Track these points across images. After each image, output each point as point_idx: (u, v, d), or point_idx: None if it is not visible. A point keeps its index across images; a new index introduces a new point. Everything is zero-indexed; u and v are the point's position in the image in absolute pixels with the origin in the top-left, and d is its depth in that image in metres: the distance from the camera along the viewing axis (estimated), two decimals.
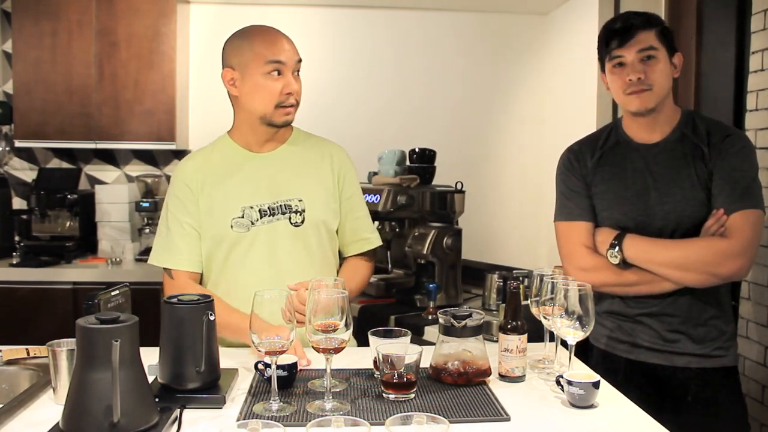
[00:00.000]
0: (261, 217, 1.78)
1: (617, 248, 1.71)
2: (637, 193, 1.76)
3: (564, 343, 1.53)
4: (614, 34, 1.72)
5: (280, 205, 1.80)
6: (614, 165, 1.81)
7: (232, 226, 1.77)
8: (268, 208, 1.79)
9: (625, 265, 1.71)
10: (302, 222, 1.80)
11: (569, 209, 1.82)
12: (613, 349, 1.82)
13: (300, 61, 1.78)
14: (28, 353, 1.63)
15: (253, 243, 1.77)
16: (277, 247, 1.78)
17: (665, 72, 1.71)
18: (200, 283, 1.83)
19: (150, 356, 1.37)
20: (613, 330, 1.82)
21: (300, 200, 1.81)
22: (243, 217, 1.77)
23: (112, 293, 1.51)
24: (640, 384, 1.72)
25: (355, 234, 1.92)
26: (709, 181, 1.70)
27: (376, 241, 1.95)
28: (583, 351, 1.80)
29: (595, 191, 1.82)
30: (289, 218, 1.80)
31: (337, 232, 1.89)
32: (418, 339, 2.43)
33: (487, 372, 1.50)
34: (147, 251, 3.48)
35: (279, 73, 1.73)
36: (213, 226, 1.78)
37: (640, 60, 1.69)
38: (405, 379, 1.37)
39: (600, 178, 1.81)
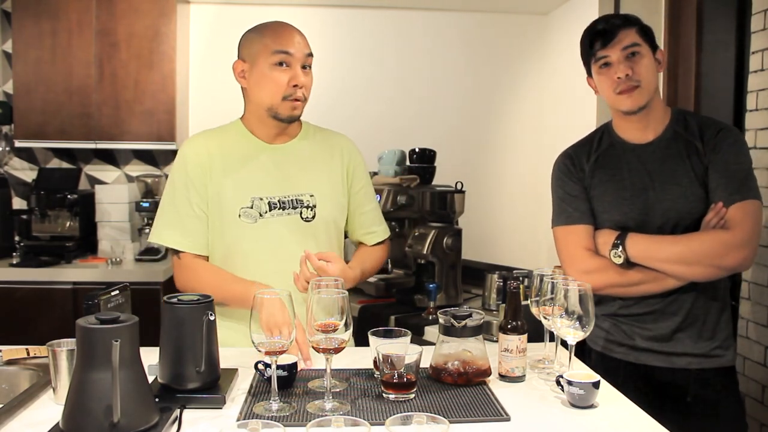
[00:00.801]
0: (270, 210, 1.76)
1: (620, 247, 1.70)
2: (635, 192, 1.76)
3: (564, 343, 1.53)
4: (597, 36, 1.73)
5: (292, 200, 1.78)
6: (611, 167, 1.81)
7: (239, 215, 1.75)
8: (279, 201, 1.77)
9: (628, 264, 1.71)
10: (313, 217, 1.79)
11: (568, 213, 1.82)
12: (611, 352, 1.82)
13: (310, 55, 1.76)
14: (28, 353, 1.63)
15: (260, 235, 1.75)
16: (285, 241, 1.76)
17: (650, 67, 1.72)
18: None
19: (150, 356, 1.37)
20: (611, 332, 1.82)
21: (311, 195, 1.80)
22: (252, 207, 1.75)
23: (112, 293, 1.51)
24: (638, 386, 1.72)
25: (362, 227, 1.93)
26: (705, 176, 1.71)
27: (382, 234, 1.96)
28: (581, 353, 1.79)
29: (594, 194, 1.81)
30: (300, 213, 1.78)
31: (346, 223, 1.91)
32: (418, 339, 2.43)
33: (487, 372, 1.50)
34: (147, 251, 3.49)
35: (287, 66, 1.72)
36: (220, 213, 1.76)
37: (625, 57, 1.70)
38: (405, 379, 1.37)
39: (598, 180, 1.81)
